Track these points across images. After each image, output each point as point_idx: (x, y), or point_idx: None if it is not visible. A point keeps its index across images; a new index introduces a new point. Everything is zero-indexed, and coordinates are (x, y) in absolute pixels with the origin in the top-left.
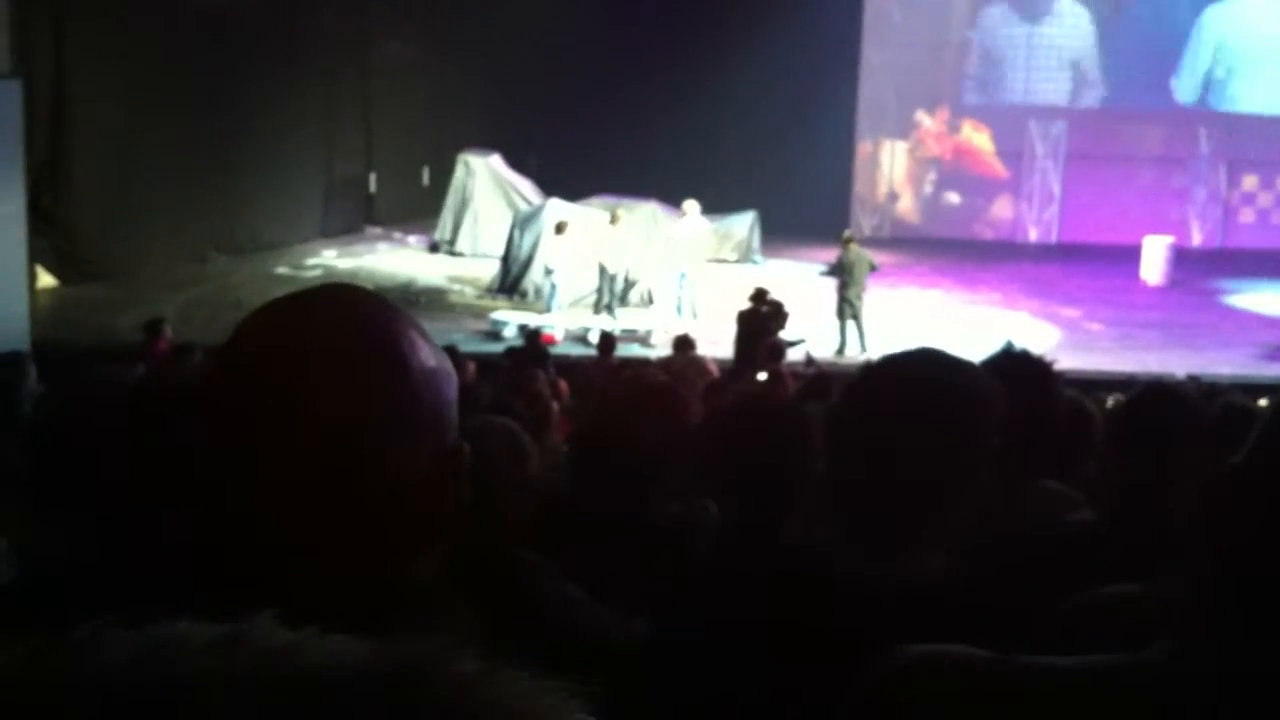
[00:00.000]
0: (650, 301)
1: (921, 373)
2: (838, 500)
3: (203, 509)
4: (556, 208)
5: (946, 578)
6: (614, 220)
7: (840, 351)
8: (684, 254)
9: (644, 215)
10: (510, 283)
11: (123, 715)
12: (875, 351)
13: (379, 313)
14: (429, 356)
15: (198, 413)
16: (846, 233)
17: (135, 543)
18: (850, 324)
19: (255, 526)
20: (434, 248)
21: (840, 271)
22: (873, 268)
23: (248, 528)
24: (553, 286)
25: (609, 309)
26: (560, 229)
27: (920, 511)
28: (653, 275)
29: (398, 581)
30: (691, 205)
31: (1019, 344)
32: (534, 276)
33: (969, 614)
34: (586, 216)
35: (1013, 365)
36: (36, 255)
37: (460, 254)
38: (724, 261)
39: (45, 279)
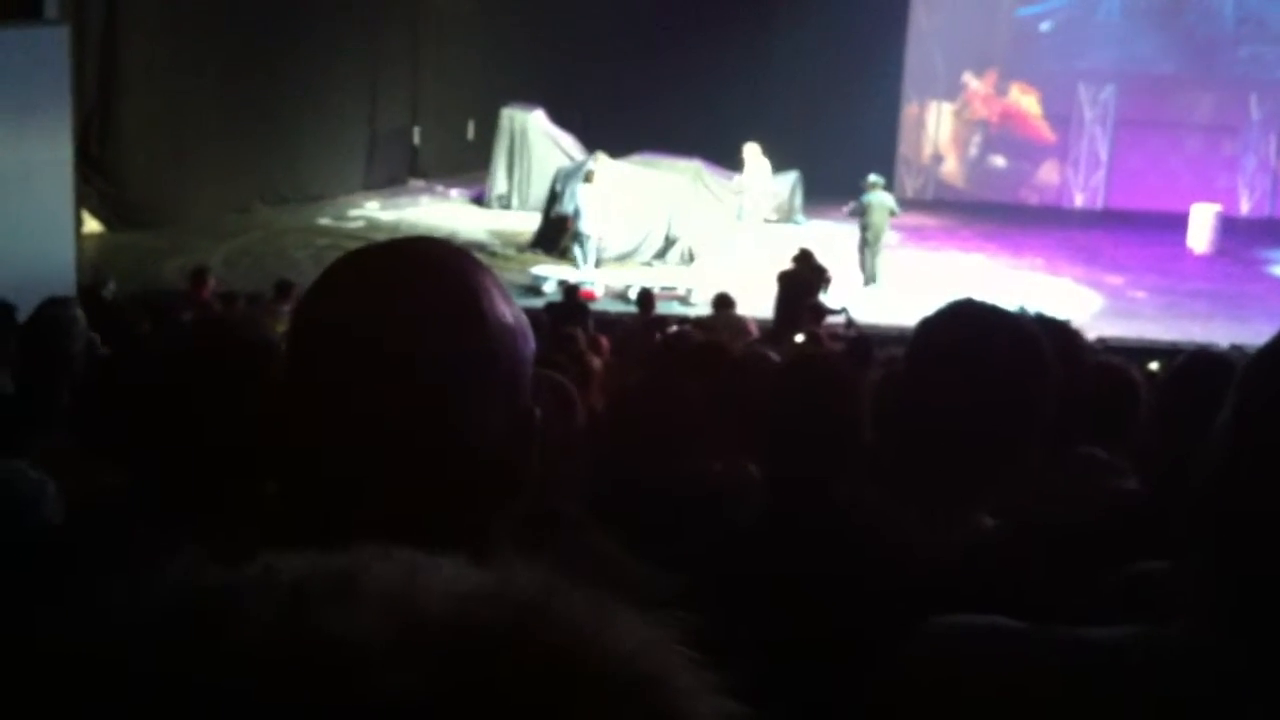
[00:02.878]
0: (691, 259)
1: (983, 334)
2: (890, 461)
3: (272, 456)
4: (602, 163)
5: (993, 542)
6: (589, 179)
7: (866, 283)
8: (753, 201)
9: (687, 173)
10: (551, 238)
11: (267, 679)
12: (884, 292)
13: (460, 266)
14: (507, 313)
15: (279, 362)
16: (872, 177)
17: (186, 485)
18: (867, 260)
19: (325, 475)
20: (481, 200)
21: (860, 212)
22: (893, 213)
23: (318, 476)
24: (582, 238)
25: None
26: (588, 178)
27: (975, 474)
28: (695, 233)
29: (467, 537)
30: (752, 148)
31: (1032, 307)
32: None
33: (1011, 579)
34: (623, 172)
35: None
36: (83, 201)
37: (508, 208)
38: (766, 220)
39: (91, 225)
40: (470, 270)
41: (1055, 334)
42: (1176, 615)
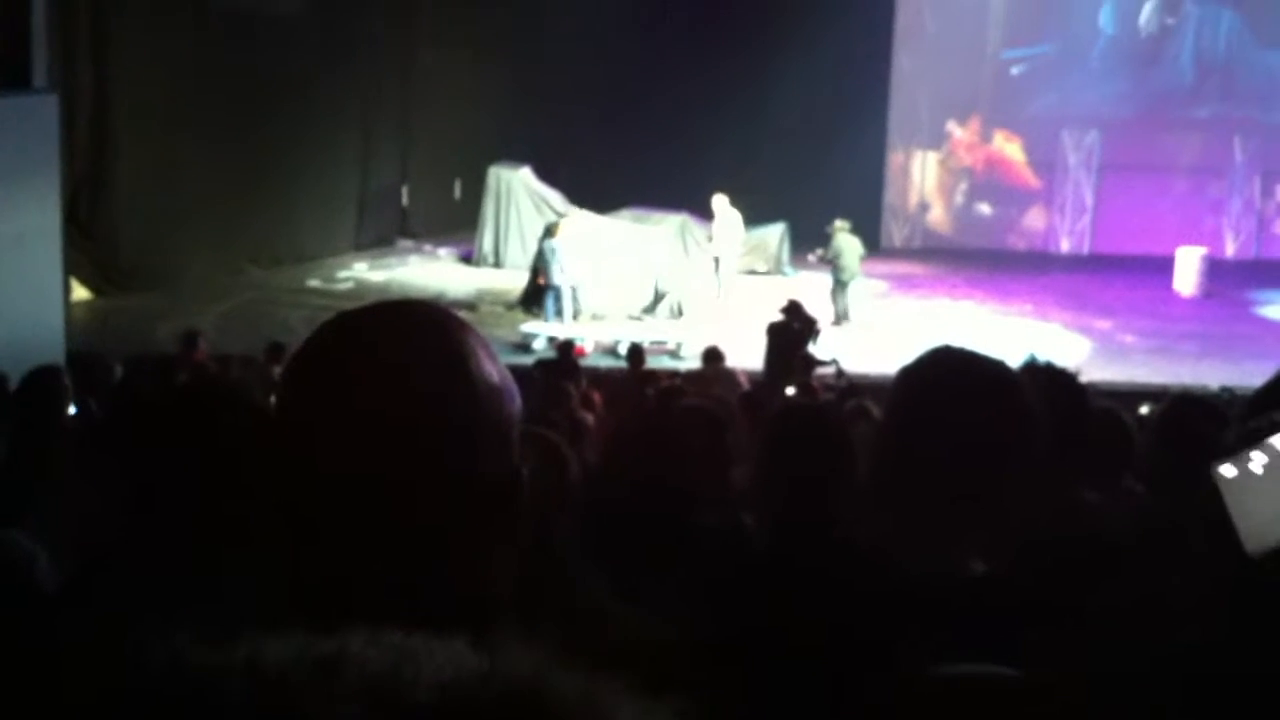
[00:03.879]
0: (680, 313)
1: (961, 380)
2: (884, 502)
3: (261, 516)
4: (575, 219)
5: (986, 580)
6: (551, 232)
7: (837, 322)
8: (721, 245)
9: (674, 227)
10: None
11: None
12: (874, 341)
13: (446, 328)
14: (493, 373)
15: (265, 420)
16: (838, 221)
17: (181, 546)
18: (841, 299)
19: (311, 535)
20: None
21: (834, 256)
22: (861, 256)
23: (309, 535)
24: (550, 291)
25: (559, 315)
26: (550, 232)
27: (959, 517)
28: (683, 286)
29: (455, 595)
30: (720, 200)
31: (1043, 355)
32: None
33: (999, 621)
34: (609, 227)
35: (1038, 377)
36: (74, 268)
37: (497, 266)
38: (754, 273)
39: (80, 292)
40: (455, 331)
41: (1059, 383)
42: (1175, 649)
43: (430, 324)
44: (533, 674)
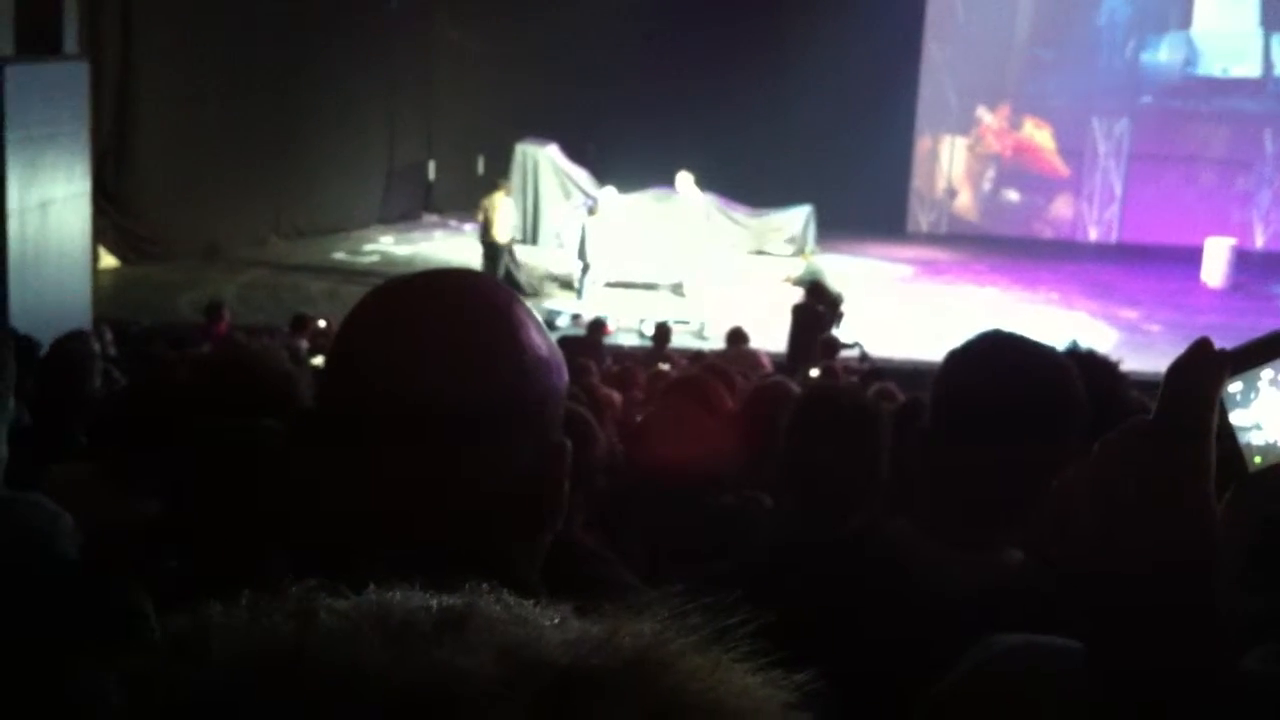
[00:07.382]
0: (703, 293)
1: (1013, 366)
2: (915, 494)
3: (305, 489)
4: (608, 197)
5: (1022, 574)
6: (501, 188)
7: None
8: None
9: (700, 207)
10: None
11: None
12: (898, 327)
13: (497, 300)
14: (542, 345)
15: (300, 393)
16: (808, 248)
17: (206, 515)
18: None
19: (355, 508)
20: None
21: (807, 281)
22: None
23: (353, 508)
24: (584, 269)
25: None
26: (593, 211)
27: (1002, 507)
28: (707, 267)
29: (495, 570)
30: (684, 177)
31: (1084, 343)
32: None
33: (1037, 614)
34: (635, 207)
35: (1079, 364)
36: (99, 235)
37: (522, 242)
38: (778, 255)
39: (107, 259)
40: (506, 304)
41: (1099, 371)
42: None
43: (481, 296)
44: (656, 638)
